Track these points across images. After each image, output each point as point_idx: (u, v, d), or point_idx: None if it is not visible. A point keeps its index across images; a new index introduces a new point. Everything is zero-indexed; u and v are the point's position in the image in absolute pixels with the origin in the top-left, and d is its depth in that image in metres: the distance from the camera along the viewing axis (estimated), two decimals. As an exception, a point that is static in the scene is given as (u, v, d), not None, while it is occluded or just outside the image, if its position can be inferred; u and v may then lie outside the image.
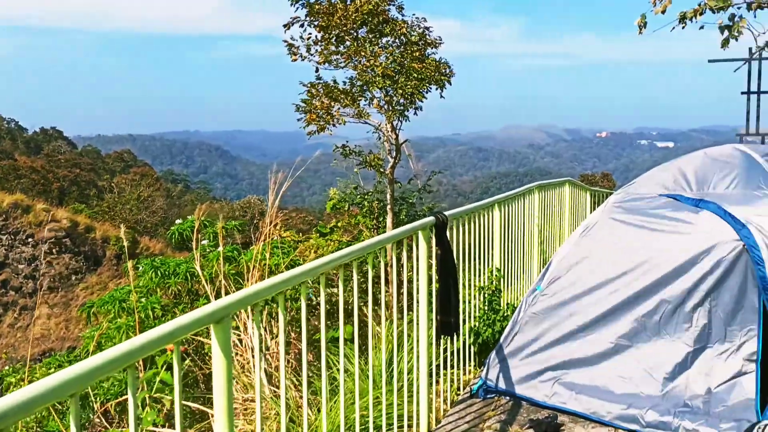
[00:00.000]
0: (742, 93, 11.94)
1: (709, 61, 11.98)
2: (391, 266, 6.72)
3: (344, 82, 9.46)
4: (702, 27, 11.27)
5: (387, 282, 6.54)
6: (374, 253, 3.32)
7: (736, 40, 11.07)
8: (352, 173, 10.26)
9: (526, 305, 4.47)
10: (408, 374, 3.91)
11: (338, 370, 3.01)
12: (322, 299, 2.74)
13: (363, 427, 3.66)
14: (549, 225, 8.11)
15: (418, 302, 3.92)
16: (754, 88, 11.83)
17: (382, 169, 9.30)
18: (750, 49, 11.56)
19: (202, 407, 4.29)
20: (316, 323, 2.87)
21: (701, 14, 10.97)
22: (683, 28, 11.26)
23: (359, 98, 9.27)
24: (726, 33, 11.06)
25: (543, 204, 7.74)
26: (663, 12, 10.98)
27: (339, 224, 10.08)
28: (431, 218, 4.05)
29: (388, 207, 9.18)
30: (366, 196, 10.02)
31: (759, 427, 3.25)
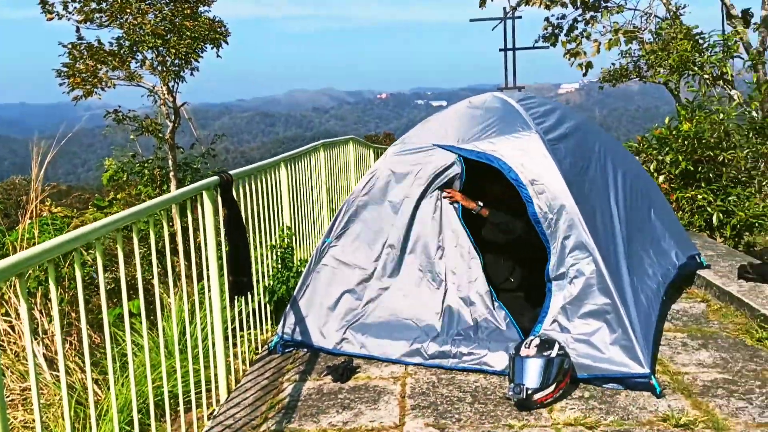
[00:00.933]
0: (500, 50, 13.05)
1: (471, 20, 12.91)
2: (178, 231, 6.47)
3: (111, 43, 8.76)
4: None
5: (177, 252, 6.29)
6: (156, 216, 3.18)
7: (492, 0, 12.04)
8: (129, 142, 9.62)
9: (317, 257, 4.57)
10: (204, 340, 3.83)
11: (127, 345, 2.85)
12: (100, 267, 2.56)
13: (158, 398, 3.54)
14: (336, 181, 8.32)
15: (208, 267, 3.83)
16: (510, 45, 12.99)
17: (161, 134, 8.82)
18: (504, 8, 12.62)
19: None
20: (100, 302, 2.66)
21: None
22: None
23: (129, 59, 8.65)
24: (483, -7, 11.98)
25: (329, 161, 7.91)
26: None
27: (119, 196, 9.45)
28: (215, 178, 3.96)
29: (171, 174, 8.77)
30: (146, 165, 9.45)
31: (525, 344, 3.65)
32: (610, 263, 3.91)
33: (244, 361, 4.30)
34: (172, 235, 5.94)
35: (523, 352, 3.58)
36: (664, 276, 4.77)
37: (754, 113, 7.66)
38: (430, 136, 4.63)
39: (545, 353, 3.55)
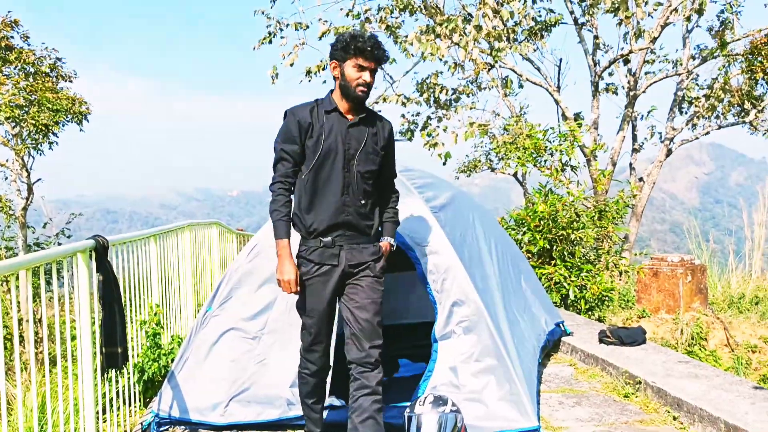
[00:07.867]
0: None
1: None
2: (37, 299, 5.92)
3: (-44, 116, 8.11)
4: (325, 81, 12.59)
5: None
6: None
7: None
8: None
9: (198, 328, 4.35)
10: (66, 423, 3.45)
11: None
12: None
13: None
14: (202, 263, 8.05)
15: (81, 336, 3.52)
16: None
17: (11, 212, 8.13)
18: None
19: None
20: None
21: (323, 69, 12.26)
22: (309, 81, 12.42)
23: (-22, 133, 8.03)
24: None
25: (194, 243, 7.67)
26: (291, 65, 11.99)
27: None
28: (91, 241, 3.72)
29: (21, 254, 8.05)
30: (-10, 244, 8.64)
31: (420, 401, 3.64)
32: (496, 323, 4.06)
33: (113, 445, 3.92)
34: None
35: (418, 409, 3.57)
36: (537, 340, 5.01)
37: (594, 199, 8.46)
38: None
39: (439, 409, 3.56)
